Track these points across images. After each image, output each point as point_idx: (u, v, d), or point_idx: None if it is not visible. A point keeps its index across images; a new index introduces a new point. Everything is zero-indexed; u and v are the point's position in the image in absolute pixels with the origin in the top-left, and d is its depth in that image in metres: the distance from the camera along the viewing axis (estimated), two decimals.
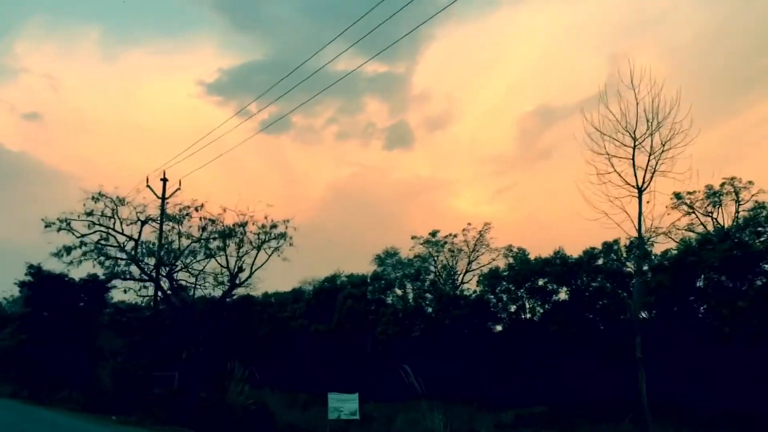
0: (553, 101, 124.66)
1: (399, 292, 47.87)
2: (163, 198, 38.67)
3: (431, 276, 48.14)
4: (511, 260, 42.51)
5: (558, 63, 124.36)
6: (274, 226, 30.34)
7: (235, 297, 39.28)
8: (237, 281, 30.96)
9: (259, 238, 30.31)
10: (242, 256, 30.57)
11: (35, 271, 47.15)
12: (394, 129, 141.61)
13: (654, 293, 33.76)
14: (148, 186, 39.15)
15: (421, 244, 47.83)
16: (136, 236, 31.82)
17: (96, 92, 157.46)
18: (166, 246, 31.39)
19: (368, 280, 48.12)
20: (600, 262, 39.24)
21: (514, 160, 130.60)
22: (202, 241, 30.50)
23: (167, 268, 31.16)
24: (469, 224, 46.48)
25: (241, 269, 30.70)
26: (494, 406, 32.75)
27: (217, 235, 30.36)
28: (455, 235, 46.64)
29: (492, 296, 40.43)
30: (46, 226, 30.54)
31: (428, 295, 45.74)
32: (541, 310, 40.36)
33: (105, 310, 50.42)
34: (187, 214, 31.26)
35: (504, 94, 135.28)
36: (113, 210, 31.40)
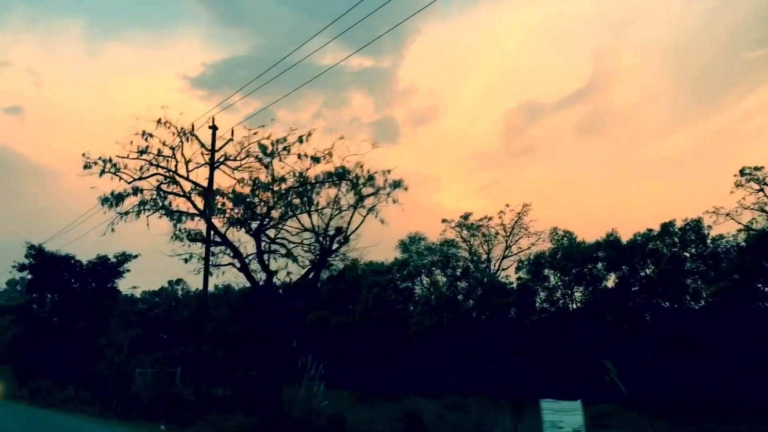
0: (537, 97, 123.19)
1: (426, 280, 44.21)
2: (213, 149, 27.32)
3: (461, 263, 44.39)
4: (552, 244, 38.77)
5: (541, 59, 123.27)
6: (370, 178, 22.20)
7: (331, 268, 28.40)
8: (337, 244, 22.82)
9: (358, 192, 22.10)
10: (337, 214, 22.38)
11: (36, 251, 42.98)
12: (380, 124, 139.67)
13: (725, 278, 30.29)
14: (192, 134, 26.81)
15: (453, 227, 43.98)
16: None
17: (78, 86, 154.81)
18: (256, 194, 22.49)
19: (393, 268, 44.41)
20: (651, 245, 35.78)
21: (498, 156, 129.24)
22: (309, 185, 21.86)
23: (251, 227, 22.77)
24: (507, 206, 42.57)
25: (340, 231, 22.80)
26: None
27: (325, 178, 21.92)
28: (490, 218, 42.85)
29: (536, 283, 36.79)
30: (85, 167, 22.88)
31: (460, 284, 42.04)
32: (589, 297, 36.81)
33: (118, 296, 46.23)
34: (285, 149, 22.40)
35: (488, 89, 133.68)
36: (174, 149, 23.30)
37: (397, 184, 22.14)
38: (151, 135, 22.98)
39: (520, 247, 40.51)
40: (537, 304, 37.13)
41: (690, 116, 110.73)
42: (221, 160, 24.45)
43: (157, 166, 23.27)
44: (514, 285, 37.86)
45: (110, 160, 23.02)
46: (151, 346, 38.23)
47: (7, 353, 44.36)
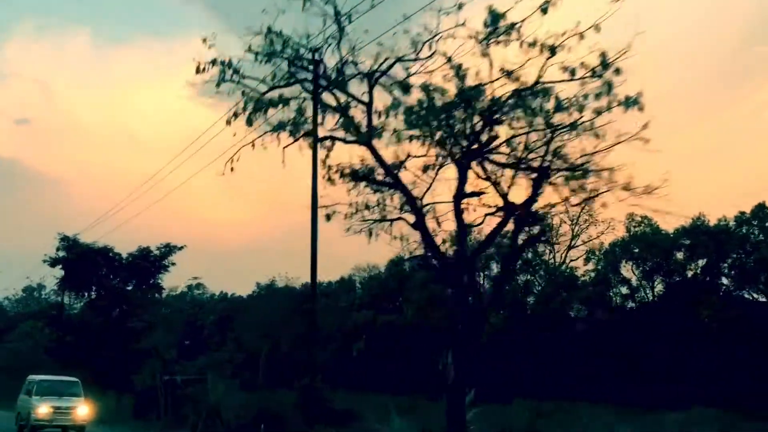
0: None
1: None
2: None
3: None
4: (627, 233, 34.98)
5: None
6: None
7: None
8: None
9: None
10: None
11: (70, 243, 39.67)
12: None
13: None
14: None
15: None
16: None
17: (87, 95, 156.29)
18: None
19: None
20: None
21: None
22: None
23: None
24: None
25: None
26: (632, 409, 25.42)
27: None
28: (553, 205, 38.80)
29: (614, 275, 33.28)
30: (198, 71, 14.81)
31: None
32: (671, 290, 33.14)
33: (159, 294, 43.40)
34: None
35: None
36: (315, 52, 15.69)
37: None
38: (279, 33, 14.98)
39: (589, 236, 36.78)
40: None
41: None
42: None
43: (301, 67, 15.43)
44: (587, 278, 34.40)
45: (229, 64, 15.37)
46: (194, 351, 35.08)
47: (35, 360, 41.50)
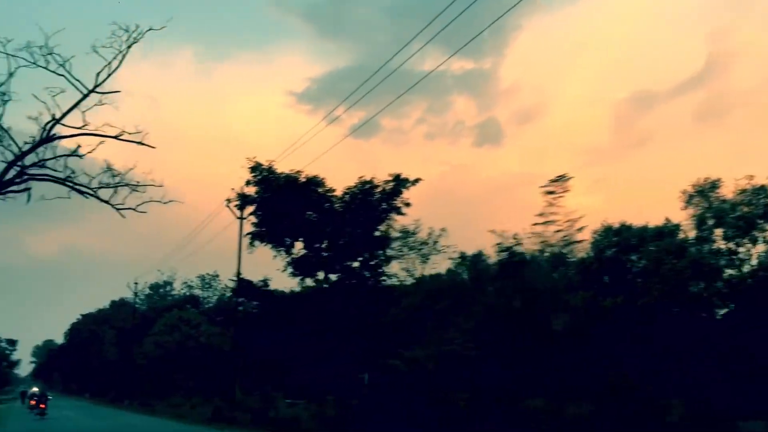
0: (649, 86, 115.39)
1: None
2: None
3: None
4: None
5: (652, 45, 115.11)
6: None
7: None
8: None
9: None
10: None
11: (265, 172, 29.51)
12: (484, 126, 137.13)
13: None
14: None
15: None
16: None
17: (192, 108, 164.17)
18: None
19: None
20: None
21: (608, 150, 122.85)
22: None
23: None
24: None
25: None
26: None
27: None
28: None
29: None
30: None
31: None
32: None
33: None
34: None
35: (595, 82, 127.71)
36: None
37: None
38: None
39: None
40: None
41: None
42: None
43: None
44: None
45: None
46: None
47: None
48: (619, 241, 33.65)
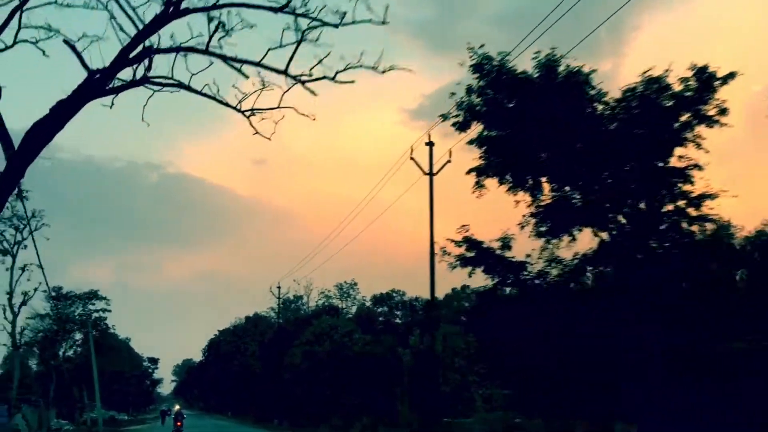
0: None
1: None
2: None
3: None
4: None
5: None
6: None
7: None
8: None
9: None
10: None
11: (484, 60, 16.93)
12: None
13: None
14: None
15: None
16: None
17: (308, 130, 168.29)
18: None
19: None
20: None
21: (744, 146, 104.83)
22: None
23: None
24: None
25: None
26: None
27: None
28: None
29: None
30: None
31: None
32: None
33: None
34: None
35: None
36: None
37: None
38: None
39: None
40: None
41: None
42: None
43: None
44: None
45: None
46: None
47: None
48: None
